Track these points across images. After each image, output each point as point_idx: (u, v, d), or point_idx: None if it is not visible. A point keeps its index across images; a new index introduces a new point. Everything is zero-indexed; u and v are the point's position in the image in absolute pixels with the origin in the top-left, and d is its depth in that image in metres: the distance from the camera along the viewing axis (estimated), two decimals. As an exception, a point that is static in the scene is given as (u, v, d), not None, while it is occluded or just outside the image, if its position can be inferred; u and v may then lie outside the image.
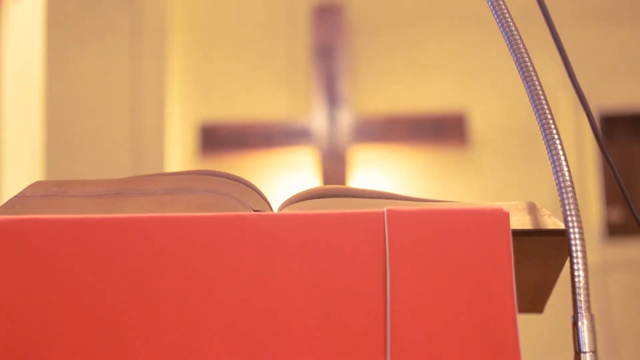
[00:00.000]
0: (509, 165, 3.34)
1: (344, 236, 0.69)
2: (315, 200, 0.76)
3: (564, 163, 0.75)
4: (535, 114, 0.77)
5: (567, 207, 0.73)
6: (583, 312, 0.71)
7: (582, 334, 0.71)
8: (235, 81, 3.46)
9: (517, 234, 0.73)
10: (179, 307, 0.68)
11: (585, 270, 0.72)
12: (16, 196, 0.77)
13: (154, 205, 0.75)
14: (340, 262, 0.68)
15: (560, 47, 0.89)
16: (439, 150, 3.36)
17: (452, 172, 3.36)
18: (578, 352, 0.71)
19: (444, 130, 3.33)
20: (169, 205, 0.74)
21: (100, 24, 3.24)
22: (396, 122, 3.35)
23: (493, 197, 3.26)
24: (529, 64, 0.78)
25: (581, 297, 0.72)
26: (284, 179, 3.35)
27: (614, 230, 3.29)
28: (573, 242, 0.72)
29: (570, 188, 0.74)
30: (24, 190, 0.78)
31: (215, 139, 3.37)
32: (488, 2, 0.81)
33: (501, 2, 0.80)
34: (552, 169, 0.75)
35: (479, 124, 3.36)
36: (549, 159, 0.75)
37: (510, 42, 0.79)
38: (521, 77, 0.78)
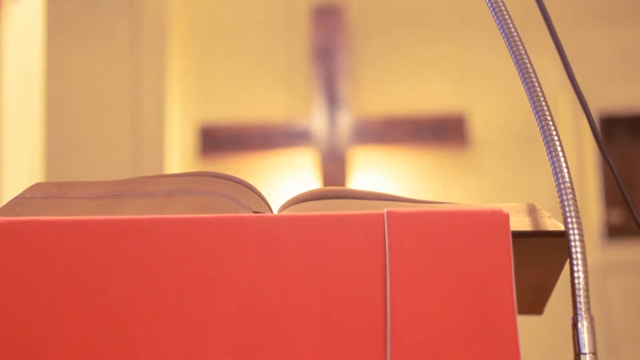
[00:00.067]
0: (509, 167, 3.34)
1: (344, 238, 0.69)
2: (315, 201, 0.76)
3: (563, 164, 0.75)
4: (534, 115, 0.77)
5: (566, 209, 0.73)
6: (583, 313, 0.71)
7: (582, 335, 0.71)
8: (235, 82, 3.46)
9: (517, 235, 0.73)
10: (179, 309, 0.68)
11: (585, 271, 0.72)
12: (16, 198, 0.77)
13: (154, 207, 0.75)
14: (340, 264, 0.68)
15: (559, 48, 0.89)
16: (438, 151, 3.36)
17: (451, 174, 3.36)
18: (578, 354, 0.71)
19: (443, 132, 3.33)
20: (169, 207, 0.74)
21: (100, 24, 3.24)
22: (396, 124, 3.35)
23: (493, 198, 3.26)
24: (528, 65, 0.78)
25: (581, 299, 0.72)
26: (283, 180, 3.35)
27: (614, 232, 3.29)
28: (573, 243, 0.72)
29: (570, 189, 0.74)
30: (24, 191, 0.78)
31: (215, 140, 3.37)
32: (487, 3, 0.81)
33: (500, 3, 0.80)
34: (552, 170, 0.75)
35: (479, 125, 3.36)
36: (549, 160, 0.75)
37: (509, 43, 0.79)
38: (521, 78, 0.78)
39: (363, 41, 3.46)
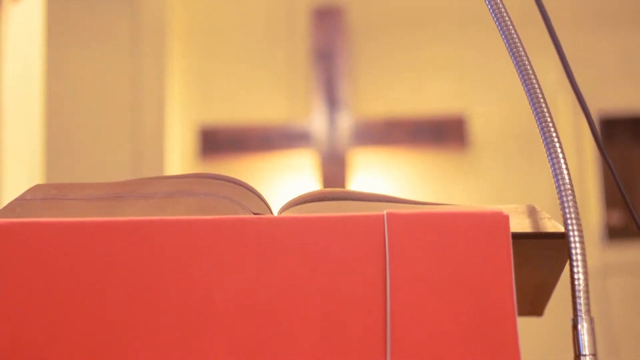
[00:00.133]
0: (509, 168, 3.34)
1: (344, 239, 0.69)
2: (315, 203, 0.76)
3: (563, 166, 0.75)
4: (534, 117, 0.77)
5: (566, 210, 0.73)
6: (583, 315, 0.71)
7: (582, 337, 0.71)
8: (235, 83, 3.46)
9: (517, 237, 0.73)
10: (179, 310, 0.68)
11: (585, 273, 0.72)
12: (16, 199, 0.77)
13: (154, 209, 0.75)
14: (340, 265, 0.68)
15: (559, 50, 0.89)
16: (438, 153, 3.36)
17: (451, 175, 3.36)
18: (578, 355, 0.71)
19: (443, 133, 3.33)
20: (169, 209, 0.74)
21: (100, 25, 3.24)
22: (396, 125, 3.35)
23: (493, 200, 3.26)
24: (528, 66, 0.78)
25: (581, 300, 0.72)
26: (283, 182, 3.35)
27: (614, 233, 3.29)
28: (573, 245, 0.72)
29: (570, 191, 0.74)
30: (24, 193, 0.78)
31: (215, 141, 3.37)
32: (487, 5, 0.81)
33: (500, 4, 0.80)
34: (552, 171, 0.75)
35: (479, 126, 3.36)
36: (549, 161, 0.75)
37: (509, 44, 0.79)
38: (520, 79, 0.78)
39: (363, 43, 3.46)
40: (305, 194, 0.78)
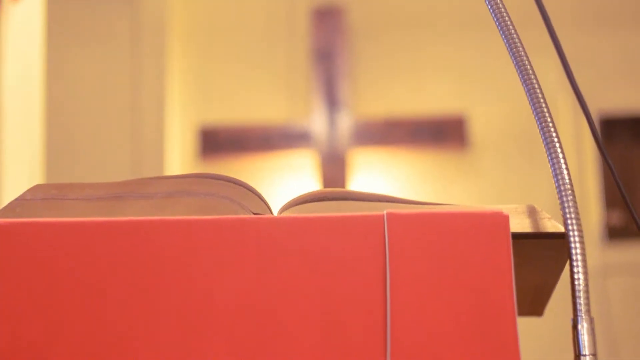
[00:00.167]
0: (509, 168, 3.34)
1: (344, 239, 0.69)
2: (315, 203, 0.76)
3: (563, 166, 0.75)
4: (534, 117, 0.77)
5: (566, 210, 0.73)
6: (583, 315, 0.71)
7: (582, 337, 0.71)
8: (235, 83, 3.46)
9: (517, 237, 0.73)
10: (179, 310, 0.68)
11: (585, 273, 0.72)
12: (16, 199, 0.77)
13: (154, 209, 0.75)
14: (340, 265, 0.68)
15: (559, 50, 0.89)
16: (438, 153, 3.36)
17: (451, 175, 3.36)
18: (578, 355, 0.71)
19: (443, 133, 3.33)
20: (169, 209, 0.74)
21: (100, 25, 3.24)
22: (396, 125, 3.35)
23: (493, 200, 3.26)
24: (528, 66, 0.78)
25: (581, 300, 0.72)
26: (283, 182, 3.35)
27: (614, 233, 3.29)
28: (573, 245, 0.72)
29: (570, 191, 0.74)
30: (24, 193, 0.78)
31: (215, 141, 3.37)
32: (487, 5, 0.81)
33: (500, 4, 0.80)
34: (552, 172, 0.75)
35: (479, 126, 3.36)
36: (549, 162, 0.75)
37: (509, 45, 0.79)
38: (521, 80, 0.78)
39: (363, 43, 3.46)
40: (305, 194, 0.78)
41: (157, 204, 0.75)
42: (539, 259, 0.83)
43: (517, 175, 3.33)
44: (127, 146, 3.18)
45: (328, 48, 3.41)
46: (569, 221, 0.73)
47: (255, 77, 3.45)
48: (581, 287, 0.72)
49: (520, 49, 0.79)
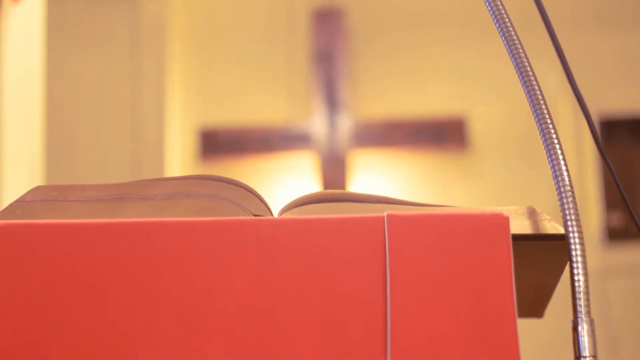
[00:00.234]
0: (509, 170, 3.34)
1: (344, 241, 0.69)
2: (315, 205, 0.76)
3: (563, 167, 0.75)
4: (534, 118, 0.77)
5: (566, 212, 0.73)
6: (583, 316, 0.71)
7: (582, 338, 0.71)
8: (235, 85, 3.46)
9: (517, 238, 0.73)
10: (179, 312, 0.68)
11: (585, 274, 0.72)
12: (17, 201, 0.77)
13: (154, 210, 0.75)
14: (340, 267, 0.68)
15: (559, 52, 0.89)
16: (438, 154, 3.36)
17: (452, 177, 3.36)
18: (578, 357, 0.71)
19: (443, 135, 3.33)
20: (169, 210, 0.74)
21: (100, 26, 3.24)
22: (396, 127, 3.35)
23: (493, 201, 3.26)
24: (528, 68, 0.78)
25: (581, 302, 0.72)
26: (283, 183, 3.35)
27: (614, 235, 3.29)
28: (573, 246, 0.72)
29: (570, 192, 0.74)
30: (25, 195, 0.78)
31: (215, 143, 3.37)
32: (487, 7, 0.81)
33: (500, 6, 0.80)
34: (552, 173, 0.75)
35: (479, 128, 3.36)
36: (549, 163, 0.75)
37: (509, 46, 0.79)
38: (521, 81, 0.78)
39: (363, 44, 3.46)
40: (305, 195, 0.78)
41: (157, 205, 0.75)
42: (539, 260, 0.83)
43: (517, 176, 3.33)
44: (127, 147, 3.18)
45: (328, 49, 3.41)
46: (569, 223, 0.73)
47: (255, 79, 3.45)
48: (581, 289, 0.72)
49: (520, 50, 0.79)
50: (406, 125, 3.35)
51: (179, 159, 3.38)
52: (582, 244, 0.73)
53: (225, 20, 3.53)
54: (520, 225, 0.75)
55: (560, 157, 0.75)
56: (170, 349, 0.67)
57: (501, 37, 0.80)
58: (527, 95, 0.77)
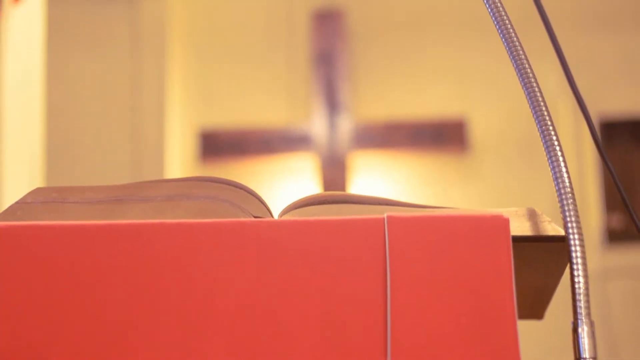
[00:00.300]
0: (509, 171, 3.34)
1: (345, 242, 0.69)
2: (316, 206, 0.76)
3: (563, 169, 0.75)
4: (535, 120, 0.77)
5: (567, 214, 0.73)
6: (583, 318, 0.71)
7: (583, 340, 0.71)
8: (235, 87, 3.46)
9: (517, 240, 0.73)
10: (179, 313, 0.68)
11: (586, 276, 0.72)
12: (17, 202, 0.77)
13: (154, 212, 0.75)
14: (340, 268, 0.68)
15: (559, 53, 0.89)
16: (439, 156, 3.36)
17: (452, 178, 3.36)
18: (578, 359, 0.71)
19: (443, 136, 3.33)
20: (169, 212, 0.74)
21: (101, 28, 3.24)
22: (396, 128, 3.35)
23: (493, 203, 3.26)
24: (528, 70, 0.78)
25: (581, 304, 0.72)
26: (284, 185, 3.35)
27: (614, 237, 3.29)
28: (573, 248, 0.72)
29: (570, 194, 0.74)
30: (25, 196, 0.78)
31: (215, 144, 3.37)
32: (487, 8, 0.81)
33: (500, 8, 0.80)
34: (552, 175, 0.75)
35: (479, 130, 3.36)
36: (549, 165, 0.75)
37: (509, 48, 0.79)
38: (521, 83, 0.78)
39: (363, 46, 3.47)
40: (305, 197, 0.78)
41: (158, 207, 0.75)
42: (539, 262, 0.83)
43: (517, 178, 3.33)
44: (127, 149, 3.18)
45: (328, 51, 3.41)
46: (569, 224, 0.73)
47: (255, 80, 3.45)
48: (581, 290, 0.72)
49: (521, 52, 0.79)
50: (406, 126, 3.35)
51: (179, 160, 3.38)
52: (582, 245, 0.73)
53: (225, 21, 3.53)
54: (520, 227, 0.75)
55: (561, 158, 0.75)
56: (170, 351, 0.67)
57: (501, 38, 0.80)
58: (527, 97, 0.77)
